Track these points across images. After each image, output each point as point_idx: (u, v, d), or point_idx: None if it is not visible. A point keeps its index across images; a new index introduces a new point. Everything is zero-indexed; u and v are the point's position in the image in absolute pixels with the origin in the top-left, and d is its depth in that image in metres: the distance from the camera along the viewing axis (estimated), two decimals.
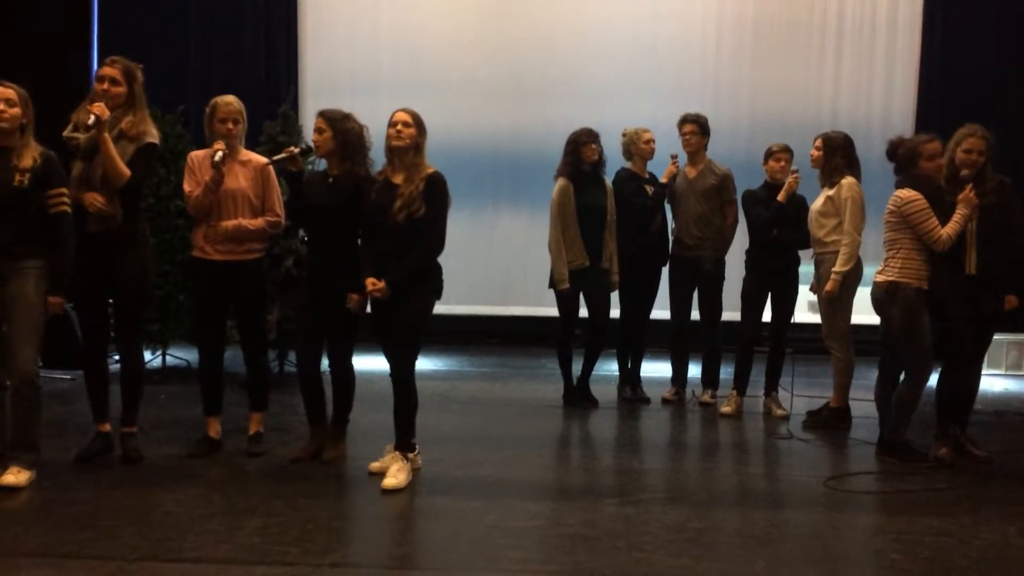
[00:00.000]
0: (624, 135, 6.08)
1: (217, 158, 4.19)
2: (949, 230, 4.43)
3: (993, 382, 7.07)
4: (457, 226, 8.42)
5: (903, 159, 4.60)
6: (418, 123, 4.07)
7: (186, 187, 4.37)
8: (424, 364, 7.43)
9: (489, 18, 8.68)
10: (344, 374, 4.34)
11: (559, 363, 5.91)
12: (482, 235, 8.69)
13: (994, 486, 4.20)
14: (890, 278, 4.54)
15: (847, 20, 8.47)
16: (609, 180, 5.91)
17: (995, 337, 6.92)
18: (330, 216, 4.19)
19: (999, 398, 6.45)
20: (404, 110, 4.09)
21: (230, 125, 4.31)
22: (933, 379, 4.68)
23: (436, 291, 4.09)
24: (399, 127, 4.03)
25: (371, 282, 3.98)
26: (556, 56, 8.59)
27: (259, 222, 4.36)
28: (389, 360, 4.13)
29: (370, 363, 4.74)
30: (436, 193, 4.00)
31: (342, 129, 4.18)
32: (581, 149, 5.71)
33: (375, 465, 4.18)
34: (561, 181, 5.75)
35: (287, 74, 8.64)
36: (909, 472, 4.38)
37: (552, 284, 5.76)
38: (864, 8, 8.45)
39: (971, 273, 4.53)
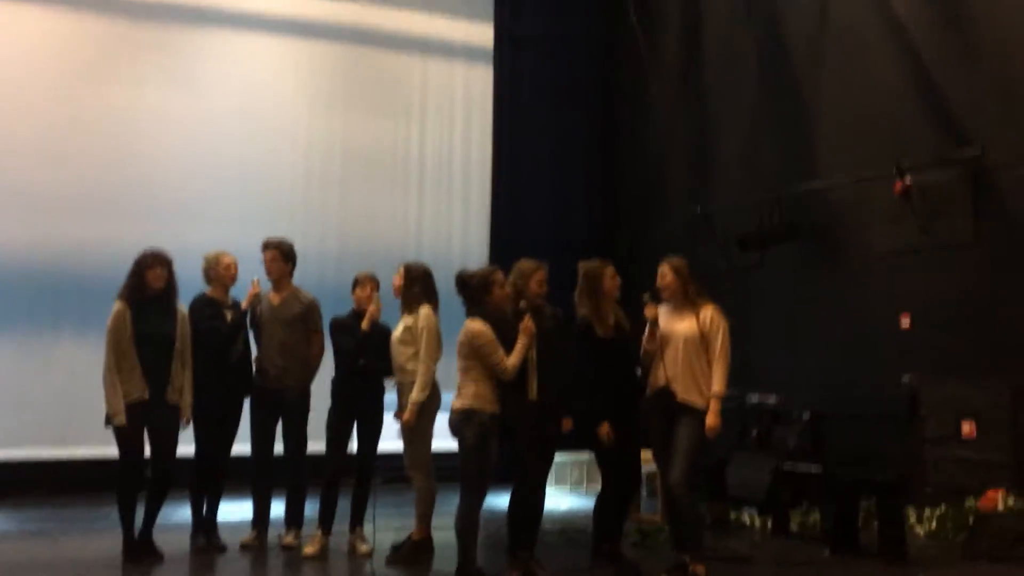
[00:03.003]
0: (205, 259, 5.74)
1: None
2: (513, 359, 4.71)
3: (560, 500, 7.62)
4: (4, 354, 7.47)
5: (477, 290, 4.84)
6: None
7: None
8: None
9: (55, 125, 7.85)
10: None
11: (119, 512, 5.18)
12: (36, 364, 7.60)
13: None
14: (466, 404, 4.69)
15: (428, 158, 9.10)
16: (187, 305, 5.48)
17: (559, 457, 7.62)
18: None
19: (563, 516, 6.88)
20: None
21: None
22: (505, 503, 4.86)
23: None
24: None
25: None
26: (134, 170, 8.00)
27: None
28: None
29: None
30: None
31: None
32: (145, 273, 5.23)
33: None
34: (117, 304, 5.21)
35: None
36: None
37: (107, 420, 5.11)
38: (442, 148, 9.16)
39: (533, 399, 4.84)
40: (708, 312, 4.81)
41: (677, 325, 4.82)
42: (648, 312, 4.80)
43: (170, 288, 5.32)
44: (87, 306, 7.47)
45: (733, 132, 8.18)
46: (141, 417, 5.12)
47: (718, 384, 4.71)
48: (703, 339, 4.75)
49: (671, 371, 4.76)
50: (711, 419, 4.67)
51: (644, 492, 7.17)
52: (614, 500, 5.06)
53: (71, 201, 7.79)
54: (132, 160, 8.02)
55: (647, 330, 4.82)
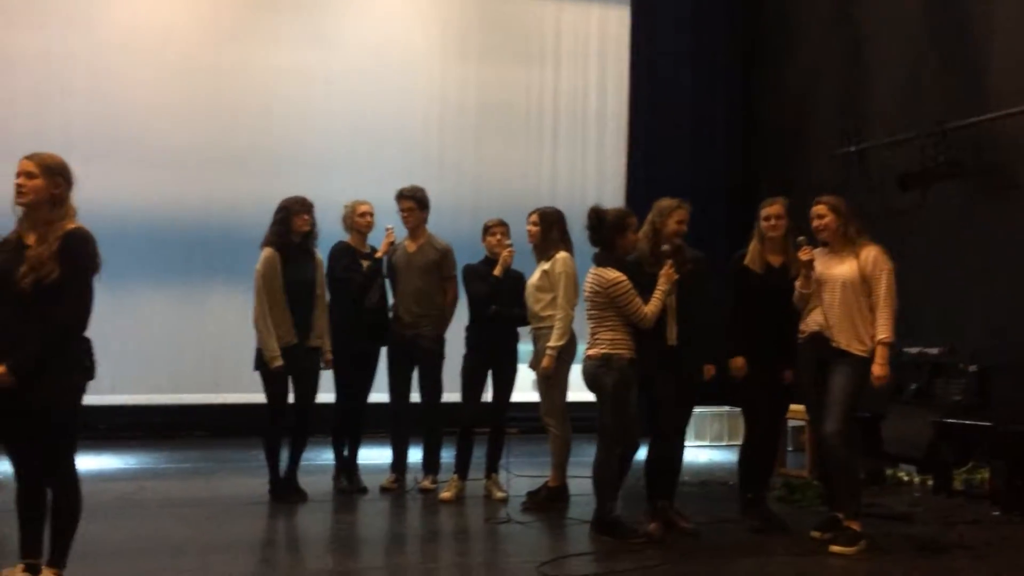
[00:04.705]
0: (345, 207, 5.82)
1: None
2: (652, 307, 4.50)
3: (699, 453, 7.38)
4: (163, 306, 7.90)
5: (612, 229, 4.63)
6: (48, 170, 3.37)
7: None
8: (107, 463, 6.55)
9: (201, 86, 8.13)
10: None
11: (265, 453, 5.37)
12: (191, 315, 7.98)
13: (700, 559, 4.21)
14: (604, 350, 4.52)
15: (562, 106, 8.88)
16: (324, 254, 5.58)
17: (701, 409, 7.39)
18: None
19: (705, 468, 6.69)
20: (28, 157, 3.38)
21: None
22: (642, 453, 4.71)
23: (84, 370, 3.40)
24: (20, 180, 3.34)
25: None
26: (275, 127, 8.20)
27: None
28: (26, 459, 3.39)
29: None
30: (73, 252, 3.32)
31: None
32: (292, 218, 5.34)
33: None
34: (267, 251, 5.33)
35: None
36: (622, 550, 4.29)
37: (258, 365, 5.28)
38: (576, 95, 8.92)
39: (672, 344, 4.64)
40: (871, 253, 4.44)
41: (836, 268, 4.47)
42: (803, 255, 4.47)
43: (311, 234, 5.41)
44: (236, 258, 7.74)
45: (891, 62, 7.54)
46: (289, 361, 5.25)
47: (885, 330, 4.35)
48: (864, 282, 4.40)
49: (828, 317, 4.43)
50: (879, 369, 4.33)
51: (789, 446, 6.86)
52: (758, 450, 4.79)
53: (218, 158, 8.06)
54: (273, 117, 8.21)
55: (802, 274, 4.50)
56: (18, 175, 3.36)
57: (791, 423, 6.68)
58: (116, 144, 7.75)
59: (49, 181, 3.36)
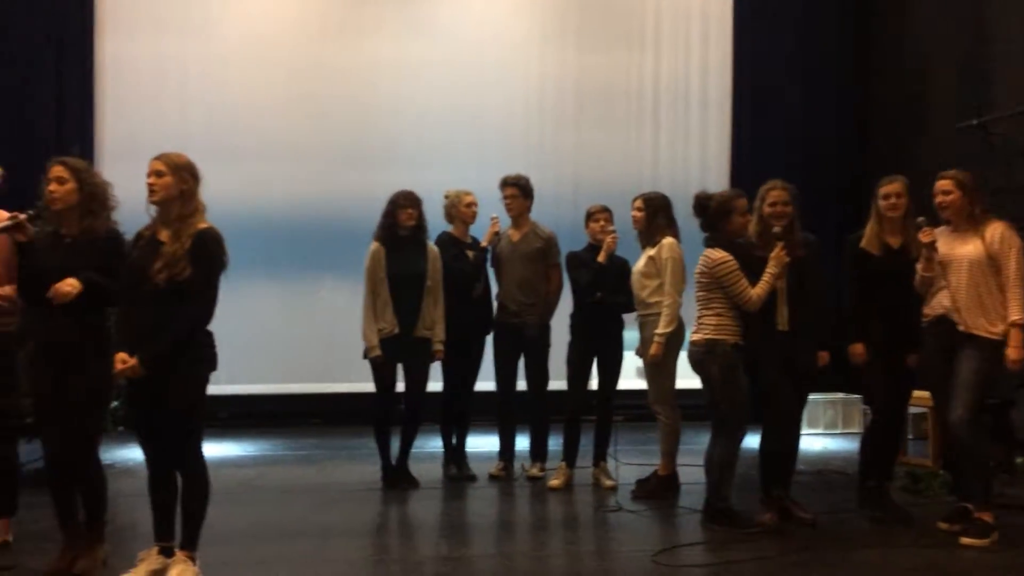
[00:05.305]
0: (446, 197, 5.86)
1: None
2: (759, 290, 4.39)
3: (813, 442, 7.16)
4: (275, 299, 8.17)
5: (716, 214, 4.55)
6: (176, 168, 3.54)
7: None
8: (229, 450, 6.80)
9: (307, 83, 8.33)
10: (88, 466, 3.69)
11: (376, 441, 5.49)
12: (303, 308, 8.19)
13: (819, 549, 4.09)
14: (707, 336, 4.46)
15: (663, 93, 8.68)
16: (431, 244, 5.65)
17: (813, 397, 7.15)
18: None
19: (819, 457, 6.49)
20: (157, 158, 3.56)
21: None
22: (755, 441, 4.59)
23: (208, 363, 3.56)
24: (151, 179, 3.53)
25: (121, 359, 3.43)
26: (378, 122, 8.33)
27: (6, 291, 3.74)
28: (156, 447, 3.56)
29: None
30: (204, 251, 3.49)
31: (90, 182, 3.67)
32: (398, 212, 5.43)
33: None
34: (372, 245, 5.46)
35: (79, 134, 7.93)
36: (736, 540, 4.21)
37: (366, 354, 5.40)
38: (678, 82, 8.70)
39: (783, 329, 4.51)
40: (998, 230, 4.21)
41: (960, 248, 4.26)
42: (923, 236, 4.27)
43: (420, 227, 5.49)
44: (347, 250, 7.91)
45: (1015, 25, 7.09)
46: (394, 351, 5.35)
47: (1019, 311, 4.11)
48: (992, 261, 4.18)
49: (953, 299, 4.23)
50: (1014, 352, 4.09)
51: (910, 434, 6.57)
52: (881, 437, 4.60)
53: (324, 154, 8.22)
54: (377, 111, 8.30)
55: (923, 256, 4.30)
56: (149, 175, 3.54)
57: (912, 410, 6.40)
58: (229, 143, 7.96)
59: (177, 178, 3.53)
